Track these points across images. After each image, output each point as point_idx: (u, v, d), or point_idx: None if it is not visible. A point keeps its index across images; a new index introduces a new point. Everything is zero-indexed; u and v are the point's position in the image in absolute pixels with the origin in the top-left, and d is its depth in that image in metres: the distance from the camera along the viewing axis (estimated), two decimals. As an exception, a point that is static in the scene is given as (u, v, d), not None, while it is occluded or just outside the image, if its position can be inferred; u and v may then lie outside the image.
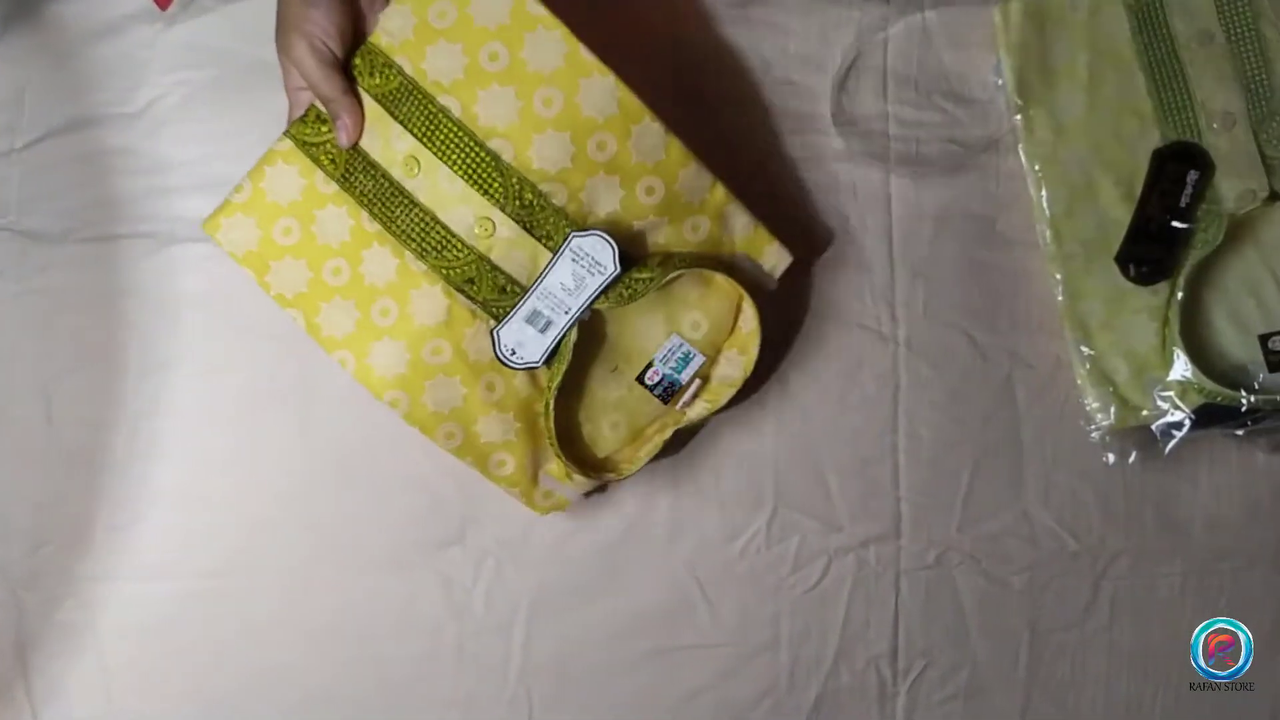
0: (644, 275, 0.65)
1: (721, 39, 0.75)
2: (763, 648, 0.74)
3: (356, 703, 0.75)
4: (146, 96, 0.76)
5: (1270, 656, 0.72)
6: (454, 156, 0.63)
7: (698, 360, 0.69)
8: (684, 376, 0.69)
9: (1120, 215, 0.71)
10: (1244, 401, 0.68)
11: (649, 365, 0.69)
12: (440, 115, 0.63)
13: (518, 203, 0.64)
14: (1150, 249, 0.70)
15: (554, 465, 0.69)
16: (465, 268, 0.65)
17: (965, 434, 0.74)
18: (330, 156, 0.65)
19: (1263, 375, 0.70)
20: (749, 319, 0.67)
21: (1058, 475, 0.73)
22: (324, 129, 0.64)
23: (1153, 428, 0.70)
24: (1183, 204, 0.69)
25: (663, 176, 0.65)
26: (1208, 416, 0.69)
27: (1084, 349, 0.71)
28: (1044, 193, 0.72)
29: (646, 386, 0.70)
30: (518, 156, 0.63)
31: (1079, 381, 0.72)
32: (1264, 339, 0.71)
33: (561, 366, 0.65)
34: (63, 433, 0.75)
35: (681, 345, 0.69)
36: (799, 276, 0.74)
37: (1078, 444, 0.73)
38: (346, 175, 0.64)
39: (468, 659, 0.75)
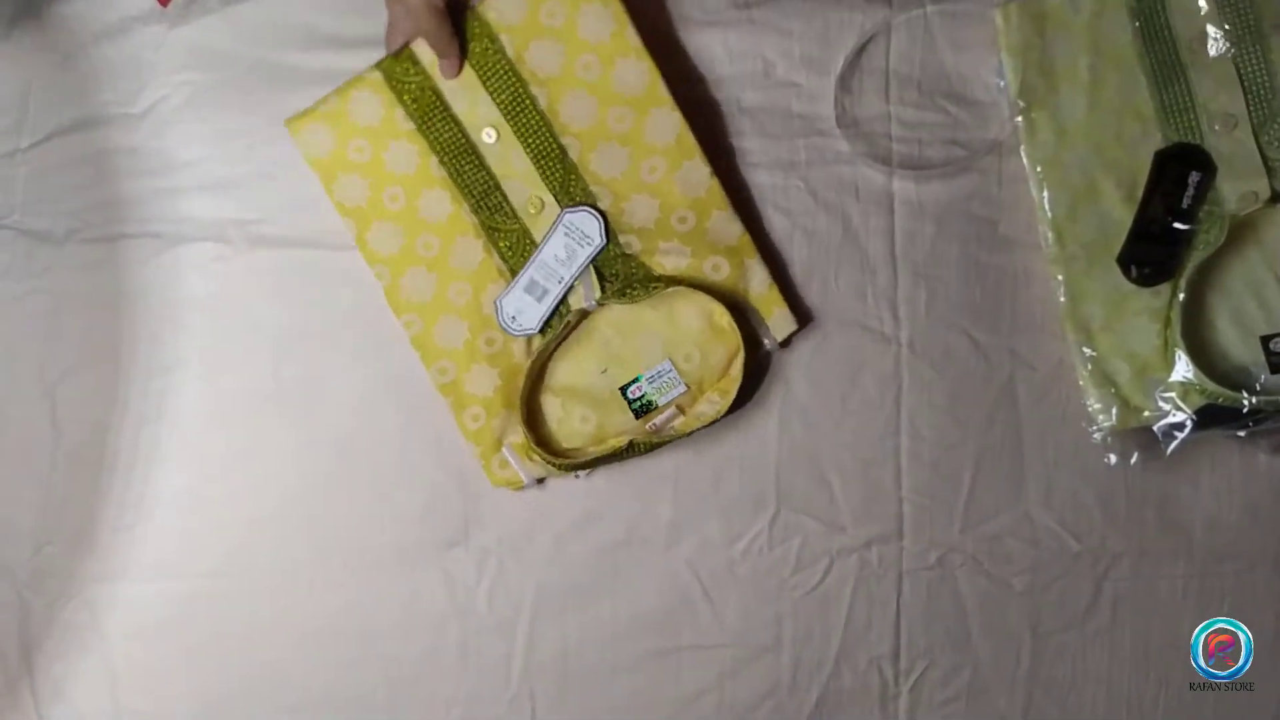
0: (650, 281, 0.70)
1: (724, 41, 0.75)
2: (764, 649, 0.74)
3: (360, 701, 0.75)
4: (151, 97, 0.76)
5: (1271, 657, 0.72)
6: (530, 140, 0.71)
7: (679, 390, 0.72)
8: (662, 401, 0.72)
9: (1122, 217, 0.71)
10: (1246, 403, 0.68)
11: (635, 379, 0.72)
12: (528, 101, 0.70)
13: (569, 194, 0.71)
14: (1152, 250, 0.70)
15: (518, 440, 0.72)
16: (510, 234, 0.72)
17: (967, 435, 0.74)
18: (414, 97, 0.71)
19: (1264, 376, 0.70)
20: (738, 367, 0.71)
21: (1059, 476, 0.73)
22: (413, 70, 0.70)
23: (1154, 429, 0.70)
24: (1184, 205, 0.69)
25: (697, 211, 0.71)
26: (1209, 418, 0.69)
27: (1086, 350, 0.71)
28: (1046, 194, 0.72)
29: (626, 398, 0.72)
30: (581, 156, 0.71)
31: (1081, 383, 0.72)
32: (1266, 340, 0.71)
33: (552, 334, 0.71)
34: (67, 434, 0.75)
35: (670, 371, 0.72)
36: (801, 279, 0.75)
37: (1079, 445, 0.73)
38: (425, 119, 0.71)
39: (470, 658, 0.75)
